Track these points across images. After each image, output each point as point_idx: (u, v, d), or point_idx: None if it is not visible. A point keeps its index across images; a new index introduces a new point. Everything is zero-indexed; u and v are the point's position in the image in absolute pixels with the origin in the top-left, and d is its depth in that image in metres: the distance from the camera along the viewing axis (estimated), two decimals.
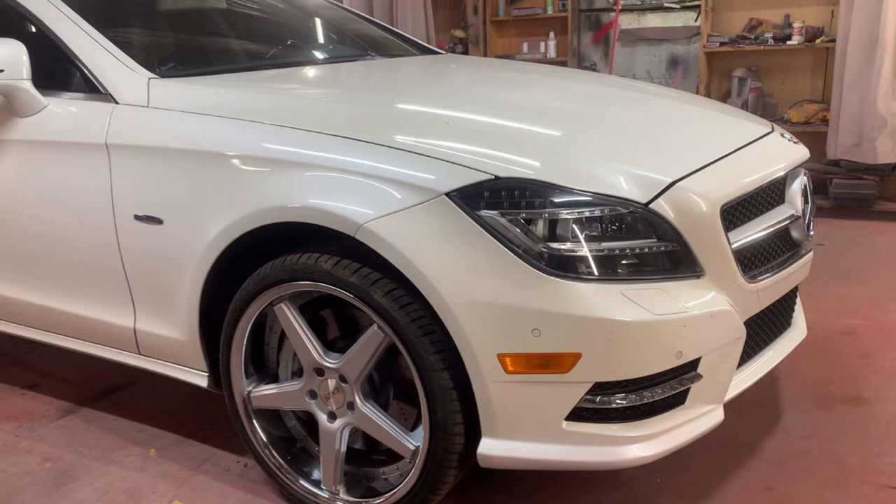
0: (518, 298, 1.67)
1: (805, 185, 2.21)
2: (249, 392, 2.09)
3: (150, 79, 2.19)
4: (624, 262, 1.72)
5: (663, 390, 1.76)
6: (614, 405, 1.72)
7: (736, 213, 1.90)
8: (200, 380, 2.19)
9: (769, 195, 2.05)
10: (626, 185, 1.76)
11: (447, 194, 1.72)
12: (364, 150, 1.83)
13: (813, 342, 2.74)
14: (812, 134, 4.93)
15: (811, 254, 2.21)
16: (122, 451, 2.44)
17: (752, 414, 2.43)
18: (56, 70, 2.31)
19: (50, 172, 2.25)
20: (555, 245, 1.69)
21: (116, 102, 2.18)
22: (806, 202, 2.21)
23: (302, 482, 2.06)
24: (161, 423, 2.57)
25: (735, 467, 2.19)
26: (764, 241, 1.98)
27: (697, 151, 1.97)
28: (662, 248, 1.76)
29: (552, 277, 1.66)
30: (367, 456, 2.08)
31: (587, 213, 1.71)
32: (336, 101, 2.23)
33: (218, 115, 2.04)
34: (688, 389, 1.80)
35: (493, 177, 1.72)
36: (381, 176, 1.78)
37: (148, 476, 2.30)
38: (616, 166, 1.81)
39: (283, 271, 1.91)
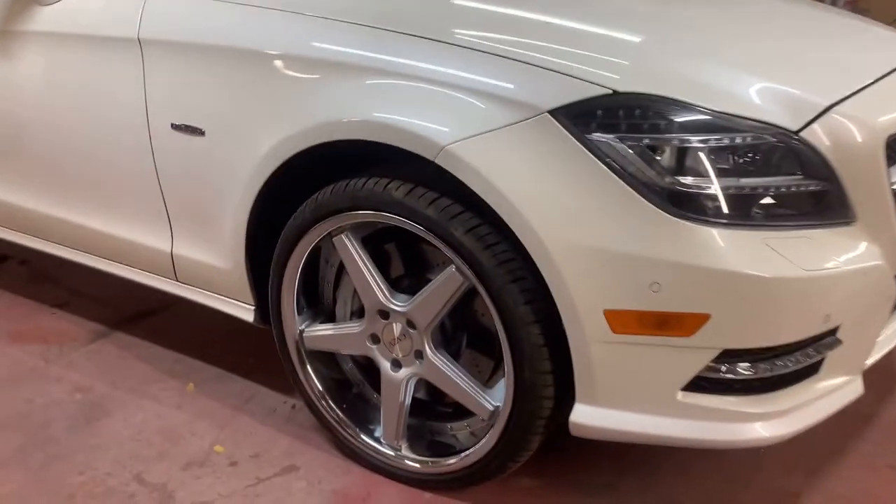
0: (636, 244, 1.36)
1: None
2: (302, 332, 1.83)
3: None
4: (765, 203, 1.40)
5: (798, 359, 1.46)
6: (740, 376, 1.44)
7: None
8: (246, 314, 1.94)
9: None
10: (773, 106, 1.43)
11: (551, 112, 1.39)
12: (444, 52, 1.50)
13: None
14: None
15: None
16: (158, 383, 2.22)
17: (874, 380, 2.12)
18: None
19: (76, 72, 1.95)
20: (684, 179, 1.37)
21: None
22: None
23: (363, 437, 1.81)
24: (200, 354, 2.35)
25: (853, 441, 1.91)
26: None
27: (855, 69, 1.62)
28: (811, 188, 1.43)
29: (680, 220, 1.35)
30: (430, 407, 1.83)
31: (725, 141, 1.38)
32: None
33: (265, 5, 1.71)
34: (824, 358, 1.50)
35: (609, 91, 1.39)
36: (466, 86, 1.46)
37: (186, 414, 2.08)
38: (760, 84, 1.46)
39: (344, 198, 1.61)
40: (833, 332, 1.48)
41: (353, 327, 1.77)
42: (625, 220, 1.36)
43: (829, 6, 2.37)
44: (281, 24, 1.67)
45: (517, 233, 1.42)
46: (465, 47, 1.49)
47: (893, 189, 1.51)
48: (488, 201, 1.43)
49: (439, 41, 1.51)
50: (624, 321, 1.40)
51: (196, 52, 1.75)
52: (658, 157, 1.37)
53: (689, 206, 1.36)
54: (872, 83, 1.57)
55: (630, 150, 1.37)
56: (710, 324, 1.36)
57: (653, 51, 1.54)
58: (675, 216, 1.35)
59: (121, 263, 2.16)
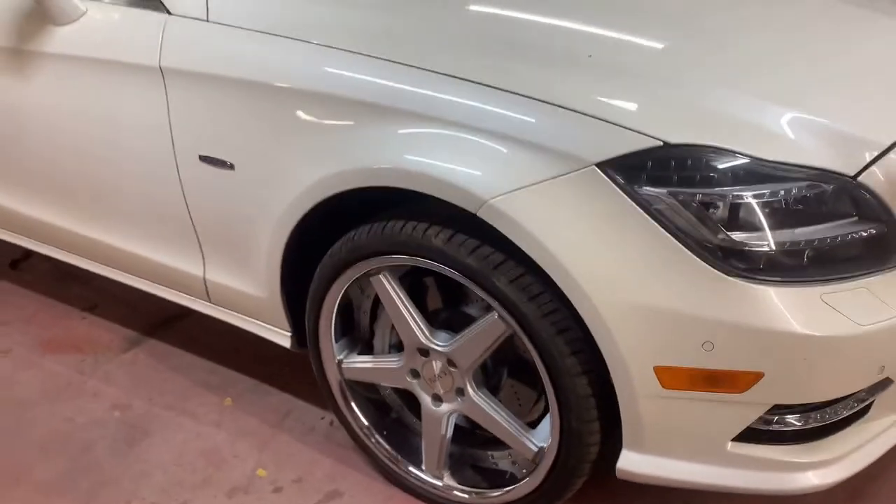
0: (688, 303, 1.32)
1: None
2: (340, 362, 1.82)
3: None
4: (820, 254, 1.35)
5: (849, 405, 1.44)
6: (791, 427, 1.42)
7: None
8: (283, 339, 1.93)
9: None
10: (828, 149, 1.36)
11: (598, 165, 1.34)
12: (486, 97, 1.43)
13: None
14: None
15: None
16: (196, 398, 2.24)
17: None
18: None
19: (97, 97, 1.89)
20: (738, 235, 1.32)
21: (169, 12, 1.77)
22: None
23: (411, 468, 1.81)
24: (234, 363, 2.35)
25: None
26: None
27: None
28: (869, 232, 1.38)
29: (734, 279, 1.31)
30: (470, 433, 1.83)
31: (780, 193, 1.32)
32: (452, 18, 1.70)
33: (294, 35, 1.63)
34: (874, 400, 1.48)
35: (660, 143, 1.33)
36: (510, 135, 1.40)
37: (226, 433, 2.10)
38: (813, 121, 1.39)
39: (381, 241, 1.57)
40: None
41: (392, 362, 1.75)
42: (676, 278, 1.32)
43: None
44: (314, 59, 1.60)
45: (563, 289, 1.38)
46: (508, 91, 1.42)
47: None
48: (533, 257, 1.39)
49: (481, 84, 1.44)
50: (674, 378, 1.37)
51: (223, 84, 1.69)
52: (710, 212, 1.32)
53: (742, 263, 1.32)
54: None
55: (681, 206, 1.32)
56: (762, 381, 1.34)
57: (700, 91, 1.44)
58: (728, 274, 1.31)
59: (155, 283, 2.14)
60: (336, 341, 1.81)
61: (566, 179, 1.35)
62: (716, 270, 1.31)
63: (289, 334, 1.90)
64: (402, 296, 1.64)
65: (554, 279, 1.38)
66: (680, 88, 1.43)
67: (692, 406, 1.40)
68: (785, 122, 1.38)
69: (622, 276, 1.35)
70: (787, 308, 1.31)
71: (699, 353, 1.34)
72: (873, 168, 1.37)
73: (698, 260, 1.31)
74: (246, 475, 1.96)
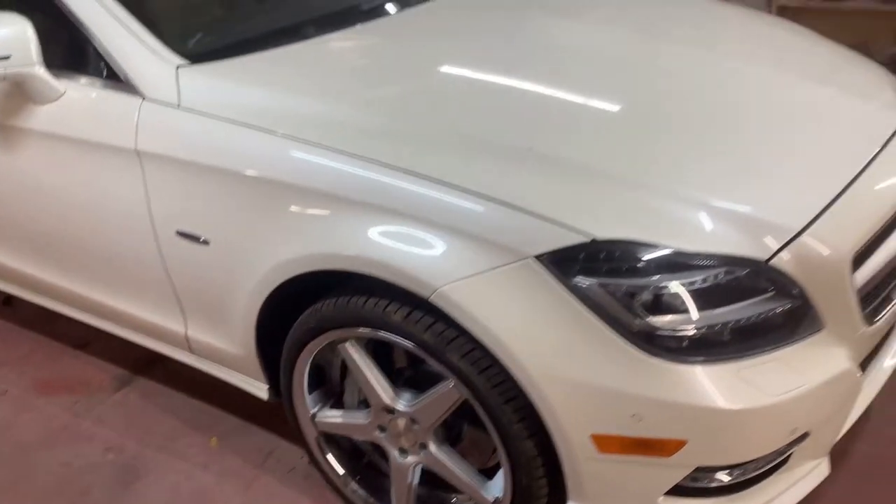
0: (616, 381, 1.48)
1: None
2: (314, 415, 1.97)
3: (178, 67, 1.89)
4: (738, 332, 1.50)
5: (769, 459, 1.60)
6: (715, 483, 1.58)
7: (866, 250, 1.65)
8: (259, 391, 2.08)
9: None
10: (744, 236, 1.51)
11: (535, 257, 1.48)
12: (438, 191, 1.57)
13: None
14: None
15: None
16: (184, 438, 2.39)
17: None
18: (71, 48, 2.01)
19: (78, 174, 2.02)
20: (660, 320, 1.47)
21: (143, 97, 1.90)
22: None
23: None
24: (220, 401, 2.49)
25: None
26: (893, 268, 1.74)
27: (824, 171, 1.68)
28: (781, 309, 1.53)
29: (657, 359, 1.46)
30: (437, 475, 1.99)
31: (700, 280, 1.47)
32: (413, 114, 1.79)
33: (261, 125, 1.76)
34: (792, 452, 1.64)
35: (589, 239, 1.47)
36: (459, 228, 1.54)
37: (212, 475, 2.26)
38: (731, 212, 1.53)
39: (345, 315, 1.72)
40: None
41: (360, 418, 1.90)
42: (606, 358, 1.47)
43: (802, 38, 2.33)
44: (279, 150, 1.73)
45: (507, 366, 1.53)
46: (456, 187, 1.55)
47: (858, 295, 1.62)
48: (480, 338, 1.54)
49: (434, 180, 1.57)
50: (609, 443, 1.53)
51: (195, 168, 1.82)
52: (635, 300, 1.47)
53: (665, 344, 1.47)
54: (844, 190, 1.63)
55: (609, 295, 1.46)
56: (686, 448, 1.50)
57: (627, 185, 1.57)
58: (652, 355, 1.46)
59: (141, 334, 2.28)
60: (309, 394, 1.96)
61: (508, 269, 1.50)
62: (641, 352, 1.46)
63: (266, 387, 2.06)
64: (367, 362, 1.79)
65: (498, 357, 1.53)
66: (609, 183, 1.57)
67: (626, 467, 1.56)
68: (703, 213, 1.52)
69: (559, 355, 1.50)
70: (705, 384, 1.46)
71: (629, 423, 1.49)
72: (784, 251, 1.51)
73: (625, 343, 1.46)
74: None
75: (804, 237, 1.53)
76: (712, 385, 1.46)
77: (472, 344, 1.59)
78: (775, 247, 1.51)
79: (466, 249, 1.53)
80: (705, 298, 1.48)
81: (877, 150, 1.74)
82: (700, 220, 1.52)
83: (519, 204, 1.52)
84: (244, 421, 2.43)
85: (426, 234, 1.57)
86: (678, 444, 1.50)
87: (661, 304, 1.48)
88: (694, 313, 1.47)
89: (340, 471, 2.02)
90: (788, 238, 1.52)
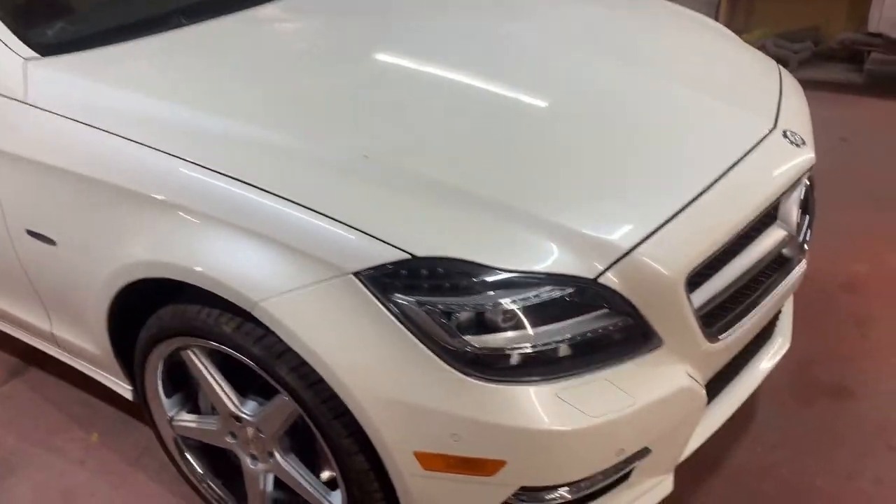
0: (435, 400, 1.44)
1: (805, 192, 1.87)
2: (172, 418, 1.94)
3: (27, 60, 1.83)
4: (561, 351, 1.47)
5: (603, 477, 1.58)
6: (545, 501, 1.56)
7: (707, 269, 1.61)
8: (125, 392, 2.06)
9: (754, 227, 1.72)
10: (573, 255, 1.46)
11: (355, 274, 1.44)
12: (263, 202, 1.51)
13: (807, 301, 2.50)
14: None
15: (803, 265, 1.92)
16: (65, 433, 2.36)
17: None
18: None
19: None
20: (479, 339, 1.43)
21: None
22: (805, 213, 1.88)
23: None
24: (106, 394, 2.45)
25: (690, 489, 2.06)
26: (741, 287, 1.70)
27: (664, 185, 1.62)
28: (610, 327, 1.50)
29: (474, 380, 1.43)
30: None
31: (523, 299, 1.43)
32: (249, 123, 1.68)
33: (102, 126, 1.70)
34: (633, 467, 1.62)
35: (409, 256, 1.43)
36: (281, 241, 1.49)
37: (87, 472, 2.23)
38: (563, 227, 1.48)
39: (182, 323, 1.68)
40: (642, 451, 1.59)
41: (212, 423, 1.88)
42: (424, 378, 1.44)
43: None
44: (115, 153, 1.67)
45: (329, 382, 1.50)
46: (282, 198, 1.50)
47: (698, 314, 1.58)
48: (301, 354, 1.50)
49: (259, 189, 1.52)
50: (431, 461, 1.50)
51: (44, 168, 1.77)
52: (455, 320, 1.43)
53: (482, 366, 1.43)
54: (684, 207, 1.58)
55: (427, 314, 1.42)
56: (507, 467, 1.47)
57: (452, 201, 1.51)
58: (470, 376, 1.42)
59: (16, 328, 2.25)
60: (168, 397, 1.93)
61: (328, 285, 1.46)
62: (457, 372, 1.42)
63: (129, 388, 2.02)
64: (211, 370, 1.75)
65: (319, 372, 1.50)
66: (441, 198, 1.51)
67: (453, 484, 1.53)
68: (535, 231, 1.47)
69: (379, 373, 1.46)
70: (521, 405, 1.43)
71: (449, 442, 1.46)
72: (610, 272, 1.47)
73: (441, 362, 1.43)
74: None
75: (634, 255, 1.48)
76: (529, 406, 1.43)
77: (301, 359, 1.55)
78: (602, 266, 1.47)
79: (290, 263, 1.49)
80: (530, 317, 1.44)
81: (728, 165, 1.69)
82: (530, 239, 1.47)
83: (340, 217, 1.47)
84: (127, 416, 2.40)
85: (250, 246, 1.52)
86: (498, 464, 1.47)
87: (483, 322, 1.44)
88: (513, 333, 1.44)
89: (199, 469, 1.99)
90: (617, 257, 1.48)
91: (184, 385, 1.94)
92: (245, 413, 1.76)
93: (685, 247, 1.54)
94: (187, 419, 1.93)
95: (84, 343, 2.00)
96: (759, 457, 2.14)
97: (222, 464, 2.03)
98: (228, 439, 1.86)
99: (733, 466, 2.11)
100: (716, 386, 1.80)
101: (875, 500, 2.01)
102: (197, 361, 1.75)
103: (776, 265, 1.85)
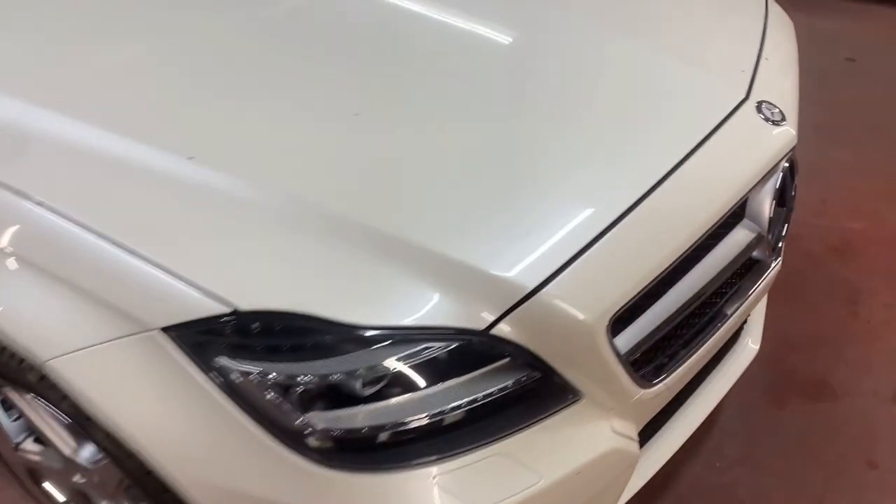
0: (269, 490, 1.12)
1: (782, 181, 1.47)
2: (18, 444, 1.64)
3: None
4: (445, 421, 1.13)
5: None
6: None
7: (640, 301, 1.24)
8: None
9: (710, 236, 1.35)
10: (453, 300, 1.10)
11: (163, 329, 1.09)
12: (63, 233, 1.15)
13: (791, 269, 2.09)
14: None
15: (776, 268, 1.55)
16: None
17: None
18: None
19: None
20: (329, 416, 1.09)
21: None
22: (781, 205, 1.49)
23: None
24: None
25: None
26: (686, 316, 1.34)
27: (585, 199, 1.23)
28: (510, 385, 1.15)
29: (324, 469, 1.10)
30: None
31: (383, 363, 1.08)
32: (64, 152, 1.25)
33: None
34: None
35: (231, 309, 1.07)
36: (82, 288, 1.13)
37: None
38: (440, 260, 1.11)
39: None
40: None
41: (57, 461, 1.57)
42: (259, 465, 1.11)
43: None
44: None
45: (144, 461, 1.17)
46: (84, 227, 1.14)
47: (628, 360, 1.23)
48: (100, 423, 1.17)
49: (67, 218, 1.15)
50: None
51: None
52: (295, 392, 1.09)
53: (336, 450, 1.10)
54: (618, 220, 1.20)
55: (256, 384, 1.08)
56: None
57: (303, 228, 1.14)
58: (314, 462, 1.09)
59: None
60: (14, 420, 1.62)
61: (127, 342, 1.11)
62: (302, 458, 1.09)
63: None
64: (37, 413, 1.43)
65: (132, 447, 1.17)
66: (279, 228, 1.14)
67: None
68: (401, 268, 1.11)
69: (198, 454, 1.13)
70: (387, 496, 1.11)
71: None
72: (507, 319, 1.11)
73: (277, 445, 1.09)
74: None
75: (541, 297, 1.12)
76: (396, 496, 1.11)
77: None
78: (495, 315, 1.11)
79: (90, 315, 1.13)
80: (399, 384, 1.10)
81: (675, 162, 1.29)
82: (400, 280, 1.10)
83: (144, 253, 1.10)
84: None
85: (44, 292, 1.16)
86: None
87: (336, 394, 1.09)
88: (377, 404, 1.10)
89: (61, 498, 1.71)
90: (517, 300, 1.12)
91: None
92: (81, 461, 1.45)
93: (608, 282, 1.17)
94: (34, 449, 1.62)
95: None
96: (717, 474, 1.84)
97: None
98: (77, 479, 1.56)
99: (685, 485, 1.82)
100: (655, 420, 1.47)
101: None
102: (19, 402, 1.42)
103: (742, 270, 1.50)
